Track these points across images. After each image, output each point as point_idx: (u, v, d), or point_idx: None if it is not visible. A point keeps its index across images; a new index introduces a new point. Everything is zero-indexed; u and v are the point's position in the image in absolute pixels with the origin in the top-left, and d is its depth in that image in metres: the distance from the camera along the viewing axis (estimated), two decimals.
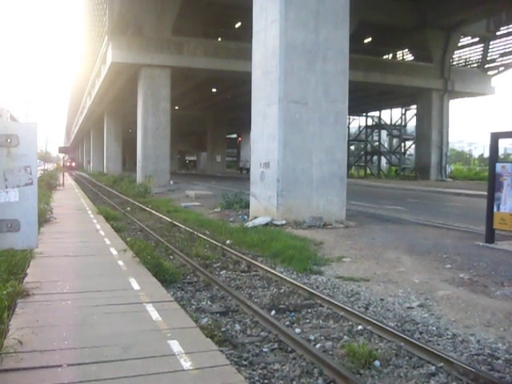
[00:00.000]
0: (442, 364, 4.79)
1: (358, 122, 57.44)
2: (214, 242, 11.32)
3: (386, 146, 56.50)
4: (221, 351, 4.81)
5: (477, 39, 42.36)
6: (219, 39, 35.89)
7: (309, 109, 14.31)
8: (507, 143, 61.49)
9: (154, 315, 5.62)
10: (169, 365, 4.27)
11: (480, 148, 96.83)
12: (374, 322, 5.91)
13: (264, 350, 5.28)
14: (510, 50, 40.97)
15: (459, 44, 42.80)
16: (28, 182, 3.49)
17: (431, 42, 39.99)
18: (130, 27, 33.55)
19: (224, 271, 8.96)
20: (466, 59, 44.56)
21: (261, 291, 7.63)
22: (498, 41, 41.33)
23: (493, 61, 42.63)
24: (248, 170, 74.70)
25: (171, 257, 10.17)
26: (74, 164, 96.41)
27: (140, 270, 7.99)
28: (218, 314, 6.44)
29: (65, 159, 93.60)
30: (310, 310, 6.64)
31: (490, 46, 42.00)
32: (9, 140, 3.40)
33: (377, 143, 56.20)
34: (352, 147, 60.28)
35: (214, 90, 46.66)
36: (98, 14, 38.81)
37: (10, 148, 3.42)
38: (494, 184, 10.73)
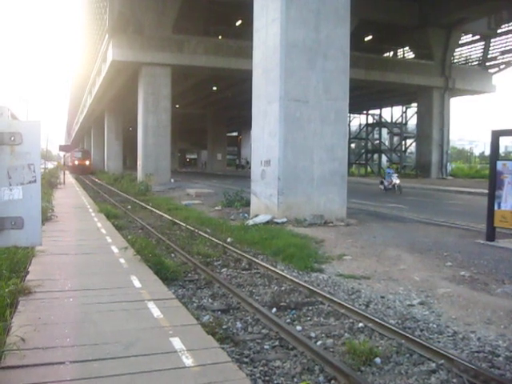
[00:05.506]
0: (442, 361, 4.80)
1: (358, 120, 57.45)
2: (215, 240, 11.33)
3: (386, 144, 56.38)
4: (222, 348, 4.82)
5: (478, 37, 42.27)
6: (220, 37, 35.87)
7: (309, 107, 14.32)
8: (508, 141, 61.50)
9: (156, 313, 5.64)
10: (170, 362, 4.29)
11: (481, 146, 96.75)
12: (375, 319, 5.93)
13: (265, 347, 5.30)
14: (511, 47, 40.91)
15: (460, 42, 42.77)
16: (31, 179, 3.50)
17: (432, 39, 39.95)
18: (130, 25, 33.53)
19: (225, 269, 8.97)
20: (466, 57, 44.52)
21: (262, 289, 7.65)
22: (498, 38, 41.28)
23: (494, 59, 42.59)
24: (243, 166, 74.60)
25: (172, 255, 10.18)
26: (87, 163, 59.91)
27: (141, 267, 8.01)
28: (220, 312, 6.45)
29: (70, 156, 63.30)
30: (310, 308, 6.66)
31: (491, 44, 41.94)
32: (12, 138, 3.42)
33: (377, 141, 56.11)
34: (353, 145, 60.20)
35: (214, 88, 46.66)
36: (98, 12, 38.75)
37: (14, 146, 3.43)
38: (494, 182, 10.74)
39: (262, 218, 13.97)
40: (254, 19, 15.67)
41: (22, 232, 3.53)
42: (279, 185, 14.08)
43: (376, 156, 56.93)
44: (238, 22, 37.07)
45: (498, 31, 40.37)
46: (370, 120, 55.33)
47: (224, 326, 5.82)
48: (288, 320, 6.20)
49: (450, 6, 35.13)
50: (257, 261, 9.36)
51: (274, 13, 14.40)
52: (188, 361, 4.31)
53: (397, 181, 26.40)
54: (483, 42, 42.28)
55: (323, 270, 8.87)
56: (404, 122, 52.15)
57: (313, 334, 5.67)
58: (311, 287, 7.40)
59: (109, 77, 37.76)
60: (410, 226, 13.86)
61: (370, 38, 42.52)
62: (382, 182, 27.48)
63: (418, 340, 5.25)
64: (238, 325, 5.97)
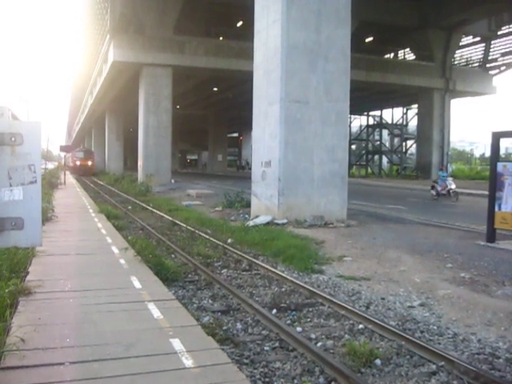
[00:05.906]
0: (443, 363, 4.80)
1: (359, 122, 57.50)
2: (216, 241, 11.32)
3: (387, 145, 56.42)
4: (222, 349, 4.82)
5: (478, 39, 42.31)
6: (221, 38, 35.90)
7: (310, 108, 14.33)
8: (508, 143, 61.47)
9: (156, 313, 5.63)
10: (171, 363, 4.28)
11: (481, 147, 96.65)
12: (375, 320, 5.92)
13: (265, 348, 5.29)
14: (511, 49, 40.93)
15: (461, 43, 42.80)
16: (32, 180, 3.51)
17: (433, 41, 39.98)
18: (131, 26, 33.53)
19: (225, 270, 8.97)
20: (467, 59, 44.54)
21: (262, 290, 7.65)
22: (499, 40, 41.31)
23: (494, 60, 42.62)
24: (243, 167, 74.86)
25: (172, 255, 10.18)
26: (90, 163, 55.73)
27: (141, 268, 8.00)
28: (220, 313, 6.45)
29: (71, 156, 59.77)
30: (311, 309, 6.66)
31: (492, 46, 41.98)
32: (13, 138, 3.43)
33: (378, 142, 56.15)
34: (353, 146, 60.19)
35: (215, 88, 46.69)
36: (99, 12, 38.79)
37: (15, 146, 3.44)
38: (495, 183, 10.74)
39: (263, 219, 13.96)
40: (255, 20, 15.68)
41: (23, 232, 3.53)
42: (280, 186, 14.08)
43: (376, 157, 56.95)
44: (239, 24, 37.12)
45: (499, 33, 40.42)
46: (371, 121, 55.43)
47: (224, 327, 5.82)
48: (288, 321, 6.19)
49: (450, 8, 35.16)
50: (257, 262, 9.36)
51: (274, 14, 14.41)
52: (188, 362, 4.31)
53: (452, 185, 23.24)
54: (484, 44, 42.32)
55: (323, 272, 8.86)
56: (404, 123, 52.22)
57: (313, 336, 5.67)
58: (311, 288, 7.40)
59: (110, 77, 37.77)
60: (410, 227, 13.85)
61: (370, 39, 42.58)
62: (433, 187, 23.87)
63: (418, 342, 5.25)
64: (238, 326, 5.96)
